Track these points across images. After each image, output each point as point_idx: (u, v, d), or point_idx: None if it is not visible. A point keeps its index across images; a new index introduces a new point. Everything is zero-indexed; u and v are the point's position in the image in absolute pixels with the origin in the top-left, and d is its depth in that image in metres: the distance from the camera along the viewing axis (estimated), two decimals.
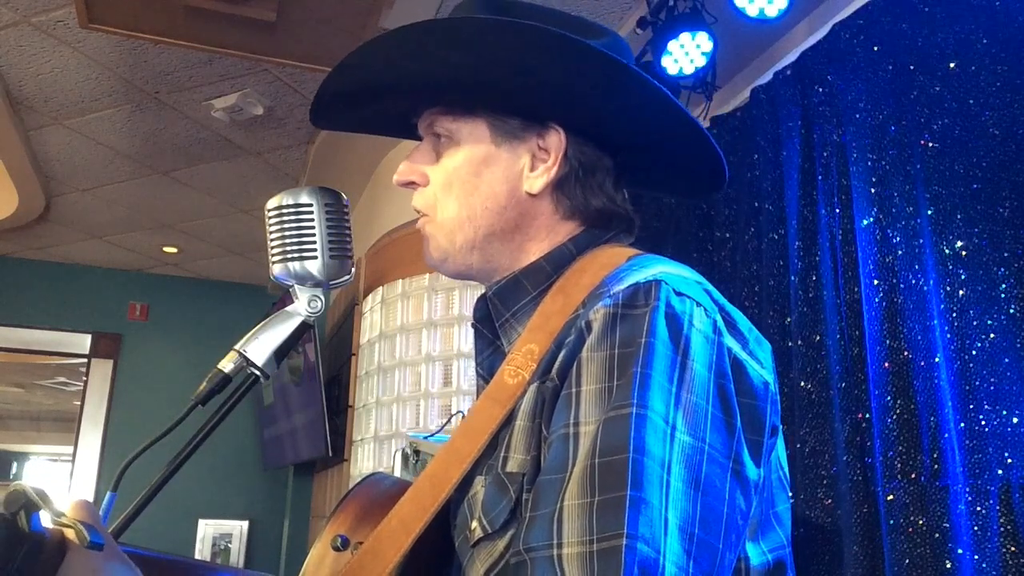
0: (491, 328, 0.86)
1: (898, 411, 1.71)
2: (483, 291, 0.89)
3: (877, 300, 1.80)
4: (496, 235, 0.85)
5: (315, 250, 0.84)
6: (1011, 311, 1.57)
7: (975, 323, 1.61)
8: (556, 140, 0.85)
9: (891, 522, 1.67)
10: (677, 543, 0.61)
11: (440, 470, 0.76)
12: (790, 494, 0.81)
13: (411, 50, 0.82)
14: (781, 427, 0.78)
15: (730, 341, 0.72)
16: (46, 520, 0.57)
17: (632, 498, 0.60)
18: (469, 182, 0.85)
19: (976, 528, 1.55)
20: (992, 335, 1.59)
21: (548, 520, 0.63)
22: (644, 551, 0.59)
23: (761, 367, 0.74)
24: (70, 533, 0.58)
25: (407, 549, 0.73)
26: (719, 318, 0.72)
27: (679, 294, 0.71)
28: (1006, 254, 1.60)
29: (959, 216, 1.67)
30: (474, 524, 0.73)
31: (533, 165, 0.85)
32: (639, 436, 0.63)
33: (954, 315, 1.64)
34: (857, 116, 1.94)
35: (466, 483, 0.76)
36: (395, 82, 0.87)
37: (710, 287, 0.77)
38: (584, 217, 0.87)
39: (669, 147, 0.91)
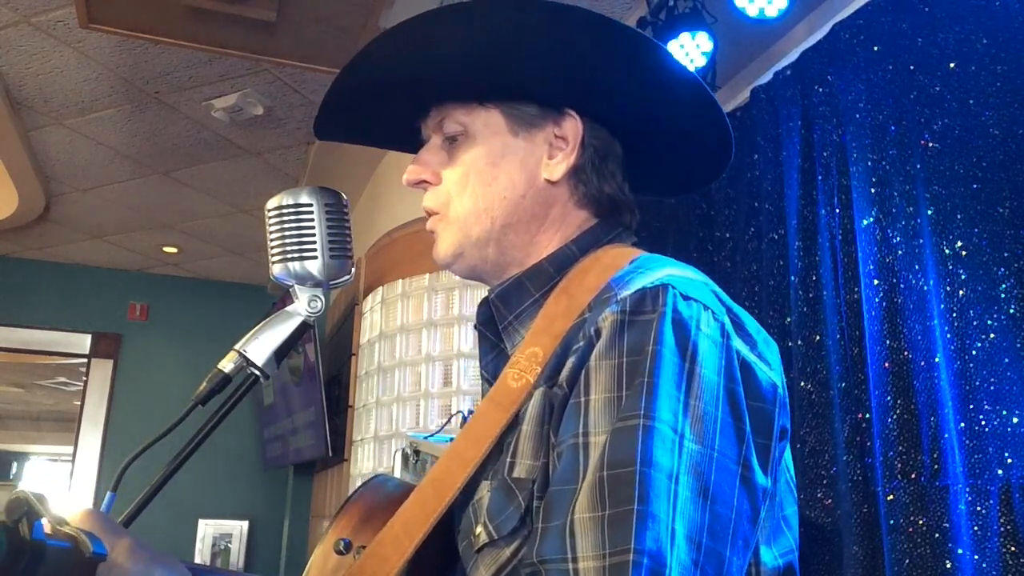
0: (494, 331, 0.85)
1: (898, 411, 1.71)
2: (486, 293, 0.88)
3: (877, 300, 1.80)
4: (513, 226, 0.84)
5: (315, 250, 0.84)
6: (1011, 311, 1.57)
7: (975, 323, 1.61)
8: (574, 126, 0.85)
9: (891, 522, 1.67)
10: (685, 554, 0.61)
11: (444, 475, 0.76)
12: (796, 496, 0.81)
13: (435, 34, 0.82)
14: (790, 430, 0.78)
15: (739, 344, 0.71)
16: (48, 529, 0.57)
17: (639, 512, 0.60)
18: (487, 173, 0.84)
19: (976, 528, 1.55)
20: (992, 335, 1.59)
21: (560, 532, 0.63)
22: (651, 566, 0.59)
23: (770, 369, 0.73)
24: (74, 541, 0.58)
25: (410, 554, 0.73)
26: (727, 320, 0.72)
27: (686, 298, 0.70)
28: (1006, 254, 1.60)
29: (959, 216, 1.67)
30: (479, 529, 0.73)
31: (551, 153, 0.85)
32: (647, 448, 0.63)
33: (954, 315, 1.64)
34: (857, 116, 1.94)
35: (470, 488, 0.75)
36: (415, 71, 0.86)
37: (717, 288, 0.76)
38: (597, 205, 0.87)
39: (676, 130, 0.90)
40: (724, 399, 0.67)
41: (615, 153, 0.88)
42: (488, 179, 0.84)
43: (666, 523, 0.61)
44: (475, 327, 0.89)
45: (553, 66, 0.82)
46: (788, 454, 0.78)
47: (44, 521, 0.57)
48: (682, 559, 0.61)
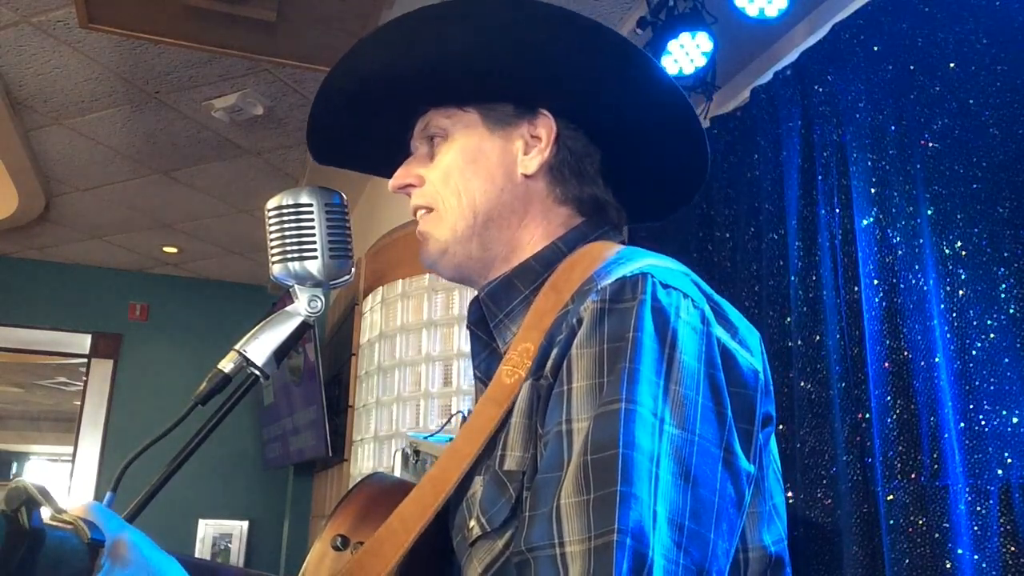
0: (486, 330, 0.87)
1: (898, 411, 1.71)
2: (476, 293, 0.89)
3: (877, 300, 1.80)
4: (494, 220, 0.86)
5: (315, 250, 0.84)
6: (1011, 311, 1.57)
7: (975, 323, 1.61)
8: (547, 124, 0.87)
9: (891, 522, 1.67)
10: (667, 536, 0.62)
11: (441, 472, 0.76)
12: (787, 490, 0.81)
13: (420, 32, 0.84)
14: (776, 417, 0.78)
15: (719, 331, 0.72)
16: (46, 517, 0.58)
17: (622, 493, 0.61)
18: (467, 169, 0.87)
19: (976, 528, 1.55)
20: (992, 335, 1.59)
21: (547, 519, 0.63)
22: (634, 546, 0.59)
23: (751, 355, 0.74)
24: (72, 529, 0.59)
25: (407, 549, 0.73)
26: (707, 308, 0.73)
27: (665, 286, 0.71)
28: (1006, 254, 1.60)
29: (959, 216, 1.68)
30: (472, 523, 0.73)
31: (526, 149, 0.87)
32: (628, 431, 0.63)
33: (954, 315, 1.64)
34: (857, 116, 1.94)
35: (465, 483, 0.76)
36: (393, 75, 0.88)
37: (697, 278, 0.77)
38: (578, 204, 0.89)
39: (653, 143, 0.91)
40: (704, 385, 0.68)
41: (593, 159, 0.89)
42: (468, 175, 0.86)
43: (648, 504, 0.62)
44: (467, 326, 0.90)
45: (526, 65, 0.85)
46: (774, 443, 0.79)
47: (43, 510, 0.57)
48: (664, 541, 0.61)
